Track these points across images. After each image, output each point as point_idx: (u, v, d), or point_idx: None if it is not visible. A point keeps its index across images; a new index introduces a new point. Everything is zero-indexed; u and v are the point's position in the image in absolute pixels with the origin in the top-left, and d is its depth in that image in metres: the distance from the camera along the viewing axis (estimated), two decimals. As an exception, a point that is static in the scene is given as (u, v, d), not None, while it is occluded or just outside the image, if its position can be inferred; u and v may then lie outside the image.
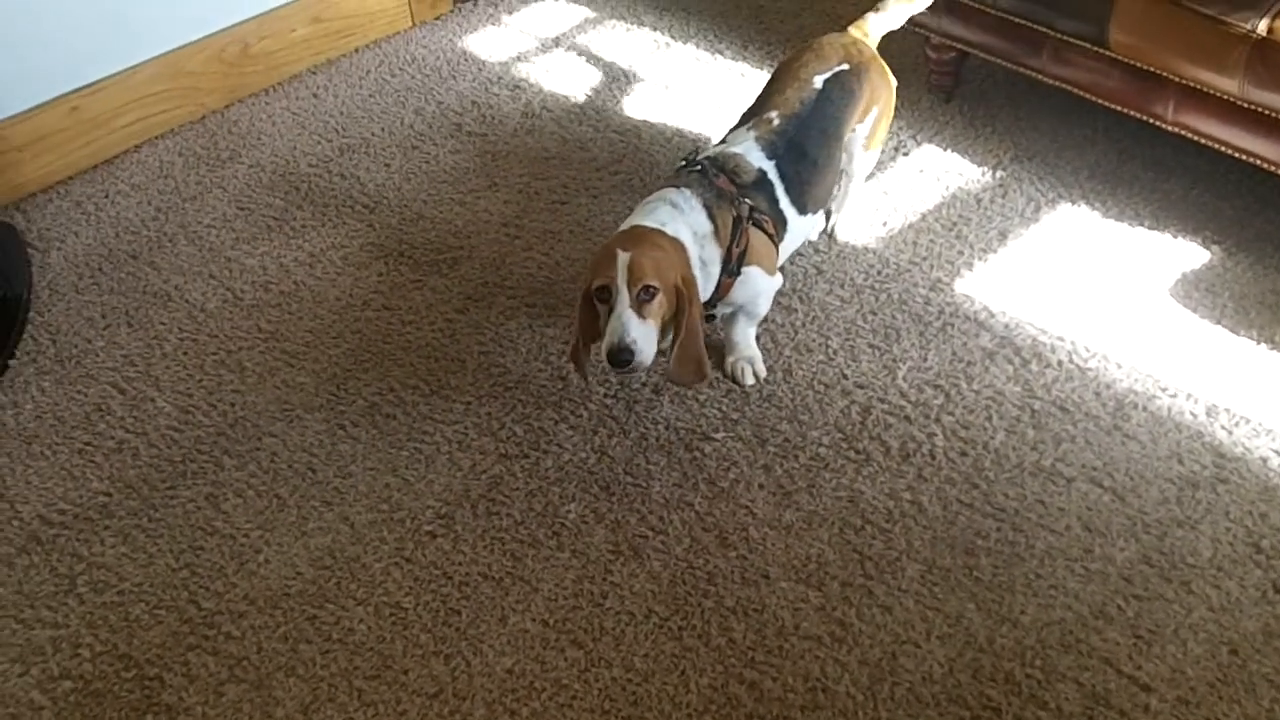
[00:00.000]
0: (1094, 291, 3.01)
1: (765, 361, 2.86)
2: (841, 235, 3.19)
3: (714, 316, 2.80)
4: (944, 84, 3.58)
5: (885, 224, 3.22)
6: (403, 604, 2.45)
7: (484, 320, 3.04)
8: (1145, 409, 2.72)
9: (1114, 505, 2.54)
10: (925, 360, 2.86)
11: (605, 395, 2.83)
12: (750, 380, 2.83)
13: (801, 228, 2.85)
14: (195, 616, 2.45)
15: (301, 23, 3.91)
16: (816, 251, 3.16)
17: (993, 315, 2.95)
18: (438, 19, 4.22)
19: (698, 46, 3.98)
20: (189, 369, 2.96)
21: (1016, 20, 3.21)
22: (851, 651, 2.32)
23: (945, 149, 3.45)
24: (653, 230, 2.57)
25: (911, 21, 3.19)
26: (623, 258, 2.47)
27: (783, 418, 2.77)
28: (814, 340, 2.93)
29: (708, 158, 2.76)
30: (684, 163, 2.77)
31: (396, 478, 2.70)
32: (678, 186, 2.68)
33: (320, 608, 2.45)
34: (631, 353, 2.45)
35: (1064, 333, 2.90)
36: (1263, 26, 2.77)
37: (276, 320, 3.08)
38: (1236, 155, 2.98)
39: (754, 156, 2.77)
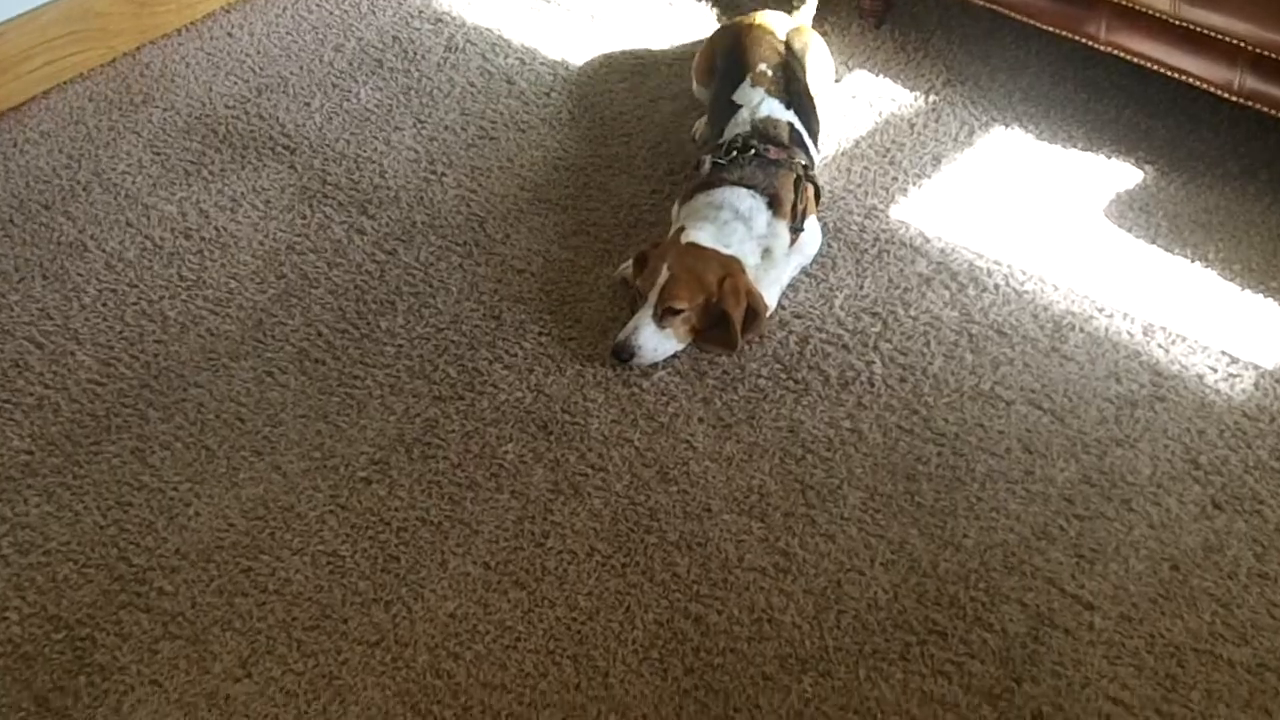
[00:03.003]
0: (1029, 214, 2.99)
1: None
2: None
3: None
4: (875, 9, 3.53)
5: (819, 152, 3.17)
6: (340, 552, 2.40)
7: (413, 261, 2.98)
8: (1082, 330, 2.71)
9: (1053, 426, 2.53)
10: (862, 288, 2.84)
11: (540, 332, 2.78)
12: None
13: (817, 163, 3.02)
14: (126, 574, 2.38)
15: (213, -41, 3.79)
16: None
17: (928, 241, 2.93)
18: (355, -47, 4.10)
19: (623, -24, 3.90)
20: (109, 320, 2.87)
21: (945, -59, 3.18)
22: (796, 581, 2.30)
23: (877, 74, 3.41)
24: (708, 252, 2.70)
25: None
26: (664, 276, 2.65)
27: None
28: (750, 271, 2.89)
29: (752, 135, 2.87)
30: (736, 150, 2.84)
31: (328, 424, 2.64)
32: (740, 184, 2.78)
33: (255, 559, 2.40)
34: (631, 353, 2.67)
35: (1000, 256, 2.88)
36: (1194, -59, 2.75)
37: (198, 268, 2.99)
38: (1169, 74, 2.97)
39: (780, 113, 2.93)
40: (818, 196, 2.90)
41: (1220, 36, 2.82)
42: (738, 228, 2.74)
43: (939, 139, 3.20)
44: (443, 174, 3.21)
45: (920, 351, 2.69)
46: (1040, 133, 3.20)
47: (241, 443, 2.61)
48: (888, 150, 3.18)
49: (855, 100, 3.34)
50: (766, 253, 2.77)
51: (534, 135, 3.30)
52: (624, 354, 2.67)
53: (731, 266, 2.68)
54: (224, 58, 3.65)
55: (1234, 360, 2.63)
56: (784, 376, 2.66)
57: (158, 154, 3.31)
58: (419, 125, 3.36)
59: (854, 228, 2.98)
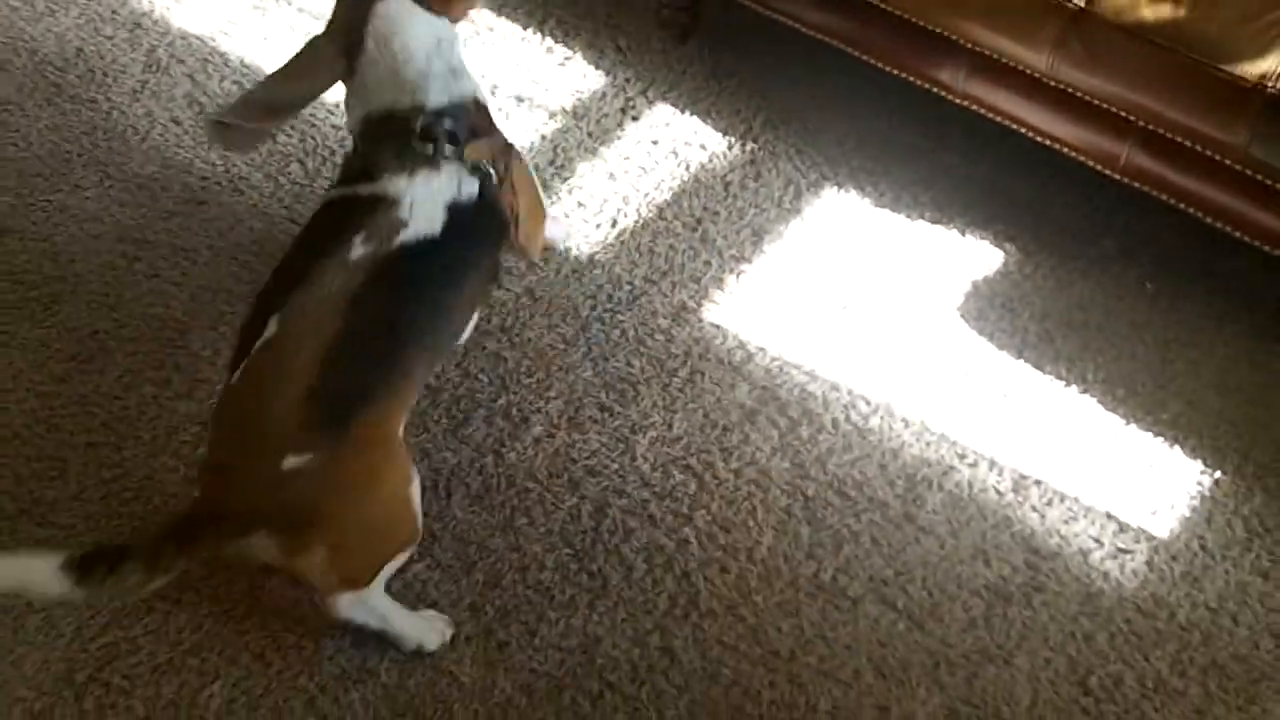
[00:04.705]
0: (869, 314, 2.44)
1: (464, 433, 2.21)
2: None
3: None
4: (678, 20, 2.88)
5: (615, 223, 2.56)
6: None
7: (92, 392, 2.28)
8: (941, 487, 2.20)
9: (911, 636, 2.03)
10: (671, 428, 2.26)
11: (258, 506, 2.13)
12: None
13: None
14: None
15: None
16: (530, 268, 2.48)
17: (750, 356, 2.36)
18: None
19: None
20: None
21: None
22: None
23: (683, 110, 2.78)
24: None
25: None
26: None
27: (494, 527, 2.14)
28: (529, 404, 2.29)
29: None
30: None
31: (-29, 655, 1.97)
32: None
33: None
34: None
35: (838, 378, 2.34)
36: (1082, -5, 2.19)
37: None
38: (1040, 140, 2.43)
39: None
40: None
41: (1106, 106, 2.28)
42: None
43: (759, 204, 2.61)
44: (136, 257, 2.49)
45: (745, 525, 2.15)
46: (880, 196, 2.63)
47: None
48: (699, 222, 2.58)
49: (657, 147, 2.71)
50: None
51: (254, 199, 2.60)
52: None
53: None
54: None
55: (1122, 528, 2.16)
56: (575, 568, 2.09)
57: None
58: (105, 183, 2.62)
59: (659, 337, 2.39)
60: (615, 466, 2.21)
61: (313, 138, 2.69)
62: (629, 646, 2.01)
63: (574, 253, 2.50)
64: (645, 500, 2.17)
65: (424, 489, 2.15)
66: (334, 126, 2.71)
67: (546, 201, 2.19)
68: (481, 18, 2.94)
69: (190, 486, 2.15)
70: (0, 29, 2.91)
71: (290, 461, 1.70)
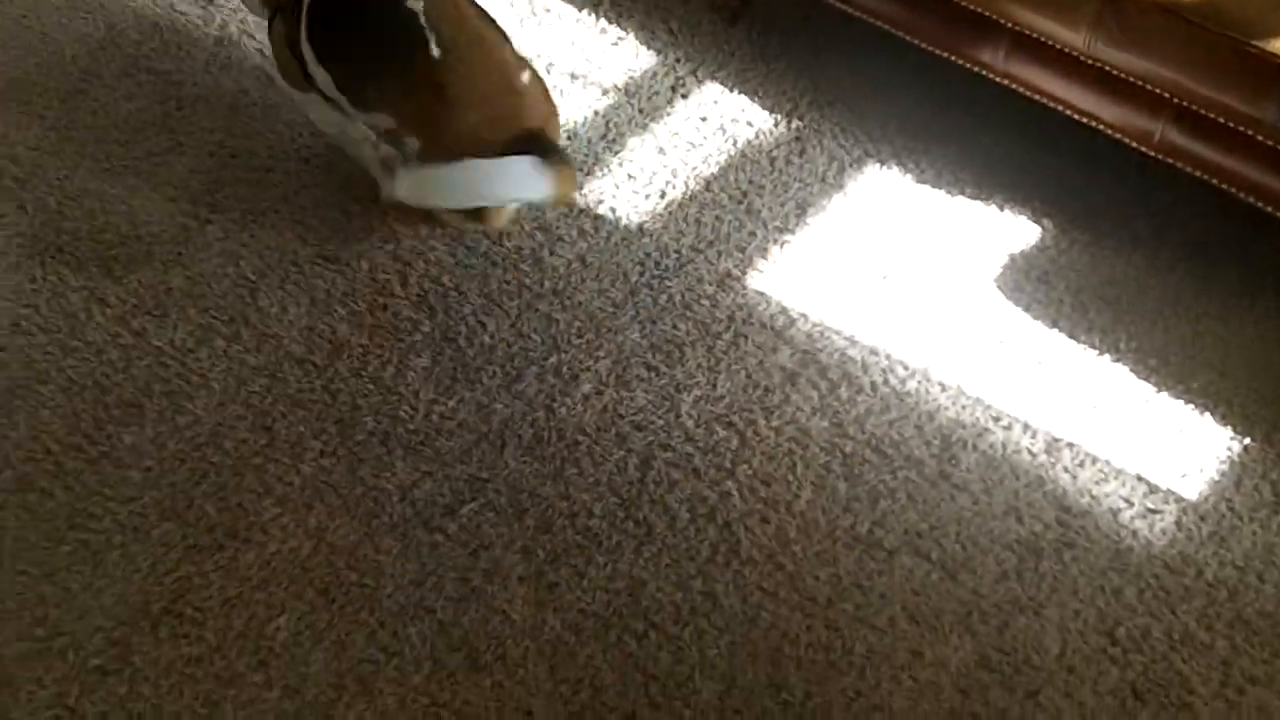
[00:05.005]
0: (909, 284, 2.53)
1: (517, 389, 2.32)
2: None
3: None
4: (729, 3, 2.98)
5: (664, 195, 2.66)
6: (58, 788, 1.88)
7: (166, 344, 2.40)
8: (975, 448, 2.28)
9: (944, 586, 2.11)
10: (715, 388, 2.36)
11: (321, 452, 2.25)
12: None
13: None
14: None
15: (-77, -82, 3.06)
16: (583, 235, 2.58)
17: (792, 322, 2.45)
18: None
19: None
20: None
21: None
22: (636, 825, 1.86)
23: (731, 89, 2.88)
24: None
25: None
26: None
27: (545, 476, 2.24)
28: (579, 363, 2.39)
29: None
30: None
31: (55, 586, 2.09)
32: None
33: (-53, 800, 1.87)
34: None
35: (877, 343, 2.43)
36: (1115, -25, 2.27)
37: (-109, 354, 2.38)
38: (1074, 116, 2.51)
39: None
40: None
41: (1141, 83, 2.36)
42: None
43: (803, 179, 2.70)
44: (207, 219, 2.61)
45: (784, 479, 2.24)
46: (921, 173, 2.72)
47: (-62, 618, 2.05)
48: (744, 194, 2.67)
49: (705, 124, 2.81)
50: None
51: (319, 167, 2.71)
52: None
53: None
54: (-62, 48, 2.96)
55: (1152, 489, 2.23)
56: (622, 515, 2.19)
57: None
58: (179, 150, 2.74)
59: (705, 302, 2.48)
60: (661, 422, 2.30)
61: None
62: (672, 590, 2.10)
63: (624, 222, 2.60)
64: (689, 454, 2.26)
65: (479, 440, 2.27)
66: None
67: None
68: (539, -2, 3.06)
69: (258, 434, 2.26)
70: (81, 4, 3.04)
71: (523, 79, 2.24)
